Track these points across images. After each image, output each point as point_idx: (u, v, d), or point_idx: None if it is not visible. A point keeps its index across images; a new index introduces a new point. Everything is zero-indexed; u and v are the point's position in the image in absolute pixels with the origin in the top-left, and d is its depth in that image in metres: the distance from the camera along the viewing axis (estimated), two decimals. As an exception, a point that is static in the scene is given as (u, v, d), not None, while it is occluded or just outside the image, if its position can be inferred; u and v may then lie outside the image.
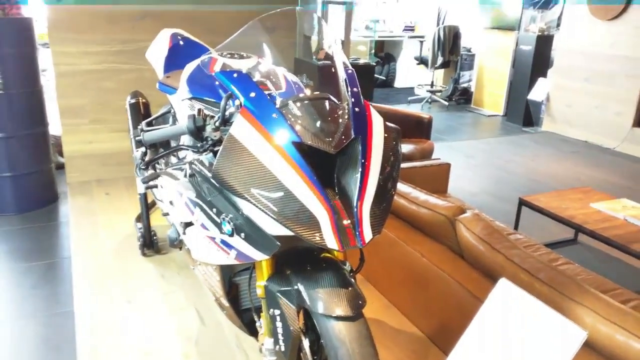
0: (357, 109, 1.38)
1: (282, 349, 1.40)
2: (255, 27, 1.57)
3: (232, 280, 1.70)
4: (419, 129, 4.63)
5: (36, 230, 3.67)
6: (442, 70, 8.54)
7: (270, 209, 1.20)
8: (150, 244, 2.72)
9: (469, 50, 8.38)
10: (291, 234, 1.23)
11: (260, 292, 1.43)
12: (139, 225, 2.78)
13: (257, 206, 1.21)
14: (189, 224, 1.57)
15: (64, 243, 3.20)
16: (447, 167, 3.40)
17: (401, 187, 2.44)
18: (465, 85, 8.41)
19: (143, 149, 1.53)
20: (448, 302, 2.03)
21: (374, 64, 4.18)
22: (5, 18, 3.97)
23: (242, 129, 1.27)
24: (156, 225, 2.82)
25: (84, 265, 2.64)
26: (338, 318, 1.27)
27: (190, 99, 1.67)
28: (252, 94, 1.32)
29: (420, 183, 2.63)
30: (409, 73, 9.25)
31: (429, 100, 8.15)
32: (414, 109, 7.45)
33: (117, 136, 3.61)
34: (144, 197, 2.65)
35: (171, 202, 1.70)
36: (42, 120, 4.00)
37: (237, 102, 1.37)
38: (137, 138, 1.51)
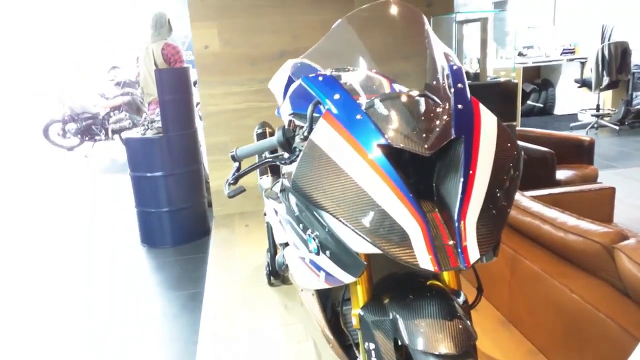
0: (460, 106, 1.18)
1: (380, 387, 1.21)
2: (347, 31, 1.46)
3: (336, 309, 1.56)
4: (578, 153, 4.08)
5: (187, 261, 3.93)
6: (609, 92, 7.58)
7: (352, 221, 1.05)
8: (276, 273, 2.71)
9: (643, 67, 7.33)
10: (379, 251, 1.06)
11: (355, 322, 1.27)
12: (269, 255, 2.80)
13: (338, 219, 1.07)
14: (287, 245, 1.49)
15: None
16: (610, 191, 2.88)
17: (546, 211, 2.10)
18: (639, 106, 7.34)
19: (237, 164, 1.50)
20: (608, 351, 1.63)
21: (515, 81, 3.80)
22: (167, 69, 4.48)
23: (323, 133, 1.16)
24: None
25: (215, 295, 2.72)
26: (440, 357, 1.05)
27: (291, 114, 1.62)
28: (337, 96, 1.20)
29: (576, 211, 2.23)
30: (570, 98, 8.38)
31: (595, 125, 7.25)
32: (576, 137, 6.65)
33: (257, 171, 3.78)
34: (271, 226, 2.67)
35: (272, 222, 1.65)
36: (196, 159, 4.36)
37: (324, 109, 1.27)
38: (230, 154, 1.49)
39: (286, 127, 1.39)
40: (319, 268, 1.23)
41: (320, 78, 1.27)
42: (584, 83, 7.46)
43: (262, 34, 3.67)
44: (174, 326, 2.99)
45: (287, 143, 1.38)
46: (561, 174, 3.72)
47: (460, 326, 1.09)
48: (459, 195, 1.07)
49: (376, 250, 1.06)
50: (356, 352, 1.42)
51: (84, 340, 2.83)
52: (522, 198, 2.28)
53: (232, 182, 1.50)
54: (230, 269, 3.03)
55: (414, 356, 1.09)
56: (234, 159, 1.48)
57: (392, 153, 1.09)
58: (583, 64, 8.17)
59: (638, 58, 7.31)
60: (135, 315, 3.11)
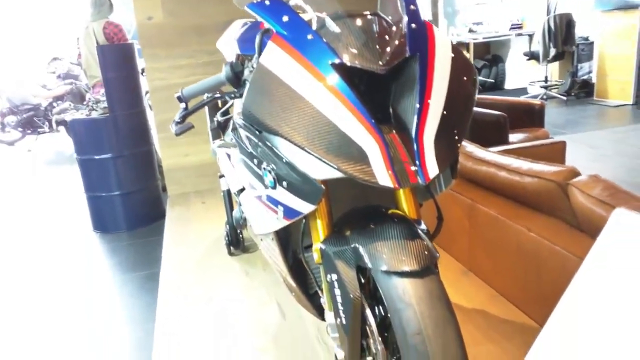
0: (413, 26, 1.14)
1: (343, 321, 1.17)
2: None
3: (297, 257, 1.51)
4: (529, 117, 4.18)
5: (142, 244, 3.81)
6: (556, 64, 7.81)
7: (308, 143, 1.00)
8: (236, 242, 2.63)
9: (586, 39, 7.57)
10: (338, 175, 1.02)
11: (317, 257, 1.22)
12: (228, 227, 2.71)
13: (293, 142, 1.02)
14: (242, 192, 1.42)
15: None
16: (561, 145, 2.94)
17: (500, 159, 2.10)
18: (585, 77, 7.58)
19: (183, 105, 1.43)
20: (565, 282, 1.64)
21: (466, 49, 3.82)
22: (110, 45, 4.28)
23: (273, 56, 1.10)
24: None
25: (172, 270, 2.62)
26: (402, 274, 1.02)
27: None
28: (285, 18, 1.14)
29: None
30: (519, 72, 8.59)
31: (544, 97, 7.46)
32: (526, 108, 6.82)
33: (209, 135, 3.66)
34: (228, 193, 2.58)
35: (228, 175, 1.58)
36: (145, 140, 4.20)
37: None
38: (176, 95, 1.41)
39: (234, 61, 1.32)
40: (276, 203, 1.17)
41: (267, 2, 1.21)
42: (532, 55, 7.66)
43: (207, 4, 3.54)
44: (131, 307, 2.89)
45: (236, 78, 1.31)
46: (514, 137, 3.79)
47: (421, 245, 1.06)
48: (416, 114, 1.05)
49: (334, 174, 1.02)
50: (320, 294, 1.36)
51: (38, 326, 2.72)
52: (477, 150, 2.28)
53: (178, 120, 1.42)
54: (187, 244, 2.92)
55: (377, 280, 1.05)
56: (180, 99, 1.41)
57: (347, 74, 1.05)
58: (531, 37, 8.38)
59: (581, 30, 7.55)
60: (91, 299, 2.99)
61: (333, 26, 1.12)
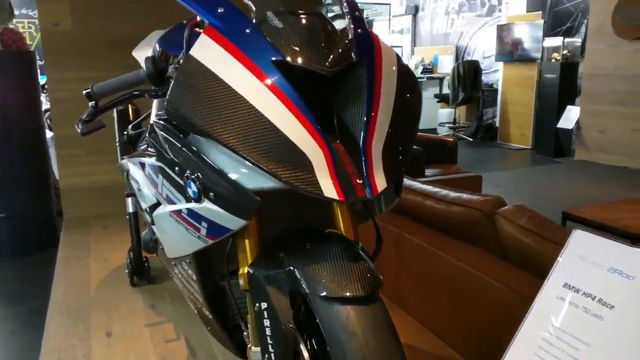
0: (359, 31, 1.06)
1: (272, 357, 1.01)
2: None
3: (216, 285, 1.33)
4: (443, 153, 4.34)
5: (29, 274, 3.38)
6: (464, 108, 8.28)
7: (242, 146, 0.86)
8: (140, 271, 2.36)
9: (490, 86, 8.13)
10: (277, 185, 0.88)
11: (243, 282, 1.06)
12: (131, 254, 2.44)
13: (224, 144, 0.88)
14: (156, 208, 1.23)
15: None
16: (478, 179, 3.02)
17: (426, 188, 2.08)
18: (489, 121, 8.10)
19: (93, 103, 1.23)
20: (490, 313, 1.61)
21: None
22: (7, 52, 3.87)
23: (205, 48, 0.96)
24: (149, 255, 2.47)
25: (62, 301, 2.29)
26: (345, 301, 0.90)
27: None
28: (220, 10, 1.01)
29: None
30: (430, 114, 9.00)
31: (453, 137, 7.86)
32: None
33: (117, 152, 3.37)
34: (134, 216, 2.33)
35: (139, 189, 1.39)
36: (42, 158, 3.80)
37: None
38: (85, 91, 1.22)
39: (156, 57, 1.15)
40: (199, 218, 1.00)
41: None
42: (442, 98, 8.07)
43: (123, 15, 3.32)
44: (8, 345, 2.49)
45: (158, 75, 1.15)
46: (429, 172, 3.88)
47: (364, 268, 0.94)
48: (364, 124, 0.95)
49: (272, 183, 0.88)
50: (243, 327, 1.18)
51: None
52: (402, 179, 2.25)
53: (86, 118, 1.22)
54: (83, 272, 2.60)
55: (315, 306, 0.91)
56: (89, 97, 1.21)
57: (288, 74, 0.93)
58: (441, 80, 8.85)
59: (487, 77, 8.09)
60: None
61: (275, 21, 1.00)
